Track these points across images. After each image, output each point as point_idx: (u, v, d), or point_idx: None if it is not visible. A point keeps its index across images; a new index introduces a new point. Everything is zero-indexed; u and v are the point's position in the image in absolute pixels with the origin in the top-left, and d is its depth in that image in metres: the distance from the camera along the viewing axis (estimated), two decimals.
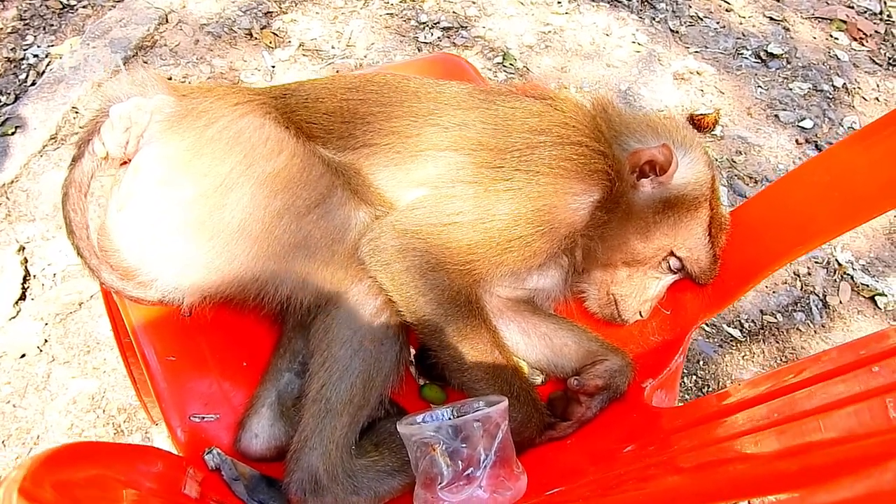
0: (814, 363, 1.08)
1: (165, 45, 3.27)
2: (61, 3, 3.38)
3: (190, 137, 1.42)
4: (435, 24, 3.57)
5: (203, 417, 1.47)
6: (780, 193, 1.68)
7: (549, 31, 3.65)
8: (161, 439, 2.26)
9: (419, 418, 1.38)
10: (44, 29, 3.29)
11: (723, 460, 0.94)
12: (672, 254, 1.64)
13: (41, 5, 3.36)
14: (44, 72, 3.09)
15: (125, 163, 1.49)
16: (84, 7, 3.39)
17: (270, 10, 3.49)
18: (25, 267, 2.54)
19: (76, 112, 2.95)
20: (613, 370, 1.57)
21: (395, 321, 1.46)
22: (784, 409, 0.96)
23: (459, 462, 1.28)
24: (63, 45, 3.19)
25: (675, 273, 1.69)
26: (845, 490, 0.55)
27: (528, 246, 1.47)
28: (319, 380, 1.40)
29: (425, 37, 3.50)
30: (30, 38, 3.25)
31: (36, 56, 3.17)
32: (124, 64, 3.10)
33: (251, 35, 3.37)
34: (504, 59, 3.45)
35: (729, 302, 1.66)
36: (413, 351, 1.63)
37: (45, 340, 2.42)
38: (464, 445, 1.29)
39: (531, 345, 1.68)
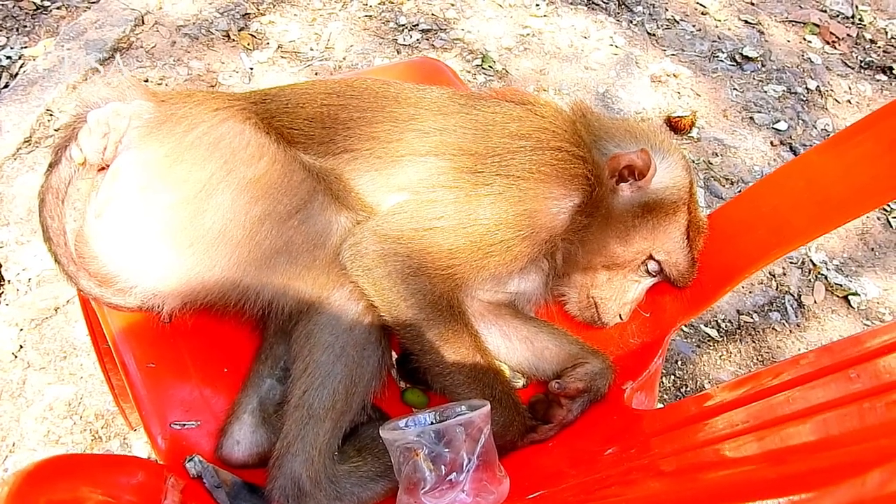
0: (792, 366, 1.09)
1: (142, 46, 3.24)
2: (35, 4, 3.33)
3: (169, 143, 1.41)
4: (414, 26, 3.57)
5: (184, 425, 1.46)
6: (755, 198, 1.71)
7: (528, 34, 3.66)
8: (139, 445, 2.24)
9: (402, 423, 1.38)
10: (17, 30, 3.25)
11: (703, 465, 0.95)
12: (651, 257, 1.65)
13: (14, 6, 3.32)
14: (17, 74, 3.05)
15: (103, 169, 1.48)
16: (58, 8, 3.35)
17: (248, 11, 3.47)
18: (0, 272, 2.50)
19: (50, 115, 2.92)
20: (594, 373, 1.58)
21: (376, 326, 1.46)
22: (763, 413, 0.97)
23: (442, 466, 1.29)
24: (37, 47, 3.15)
25: (653, 276, 1.71)
26: (826, 499, 0.56)
27: (508, 250, 1.48)
28: (302, 385, 1.40)
29: (404, 39, 3.50)
30: (2, 40, 3.20)
31: (9, 58, 3.12)
32: (101, 66, 3.07)
33: (229, 37, 3.35)
34: (483, 61, 3.46)
35: (707, 304, 1.68)
36: (395, 355, 1.63)
37: (21, 346, 2.38)
38: (446, 450, 1.29)
39: (512, 348, 1.68)
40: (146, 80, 3.09)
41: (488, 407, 1.36)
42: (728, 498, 0.69)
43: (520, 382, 1.71)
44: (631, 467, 1.18)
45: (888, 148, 1.33)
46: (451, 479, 1.28)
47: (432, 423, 1.36)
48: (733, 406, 1.09)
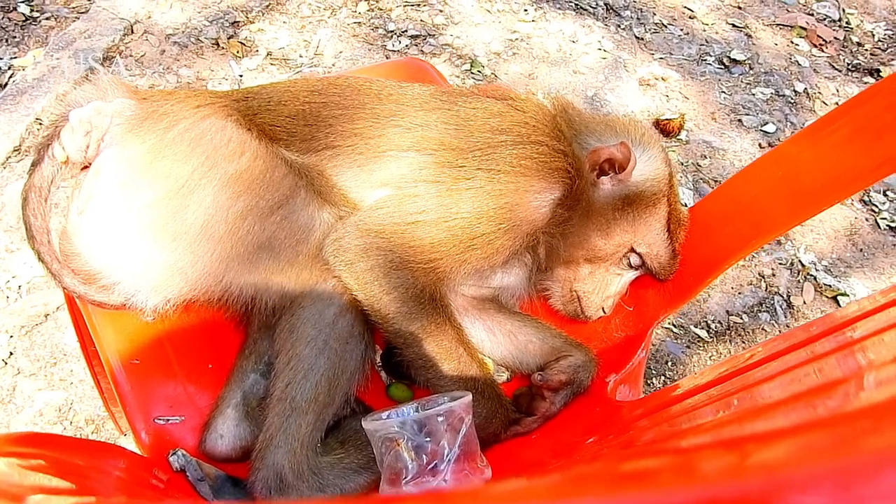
0: (769, 343, 1.11)
1: (131, 55, 3.26)
2: (24, 15, 3.35)
3: (151, 140, 1.42)
4: (403, 32, 3.59)
5: (168, 420, 1.47)
6: (734, 190, 1.72)
7: (517, 39, 3.69)
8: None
9: (384, 414, 1.39)
10: (6, 41, 3.26)
11: (679, 433, 0.95)
12: (632, 250, 1.66)
13: (3, 17, 3.33)
14: (7, 84, 3.07)
15: (86, 167, 1.49)
16: (47, 19, 3.37)
17: (237, 19, 3.49)
18: None
19: (40, 124, 2.93)
20: (577, 365, 1.59)
21: (359, 320, 1.46)
22: (738, 381, 0.98)
23: (424, 456, 1.29)
24: (26, 57, 3.17)
25: (635, 269, 1.71)
26: (781, 419, 0.57)
27: (490, 244, 1.49)
28: (285, 378, 1.40)
29: (393, 45, 3.52)
30: None
31: None
32: (93, 69, 3.08)
33: (218, 45, 3.37)
34: (472, 66, 3.49)
35: (689, 297, 1.69)
36: (379, 350, 1.64)
37: (11, 353, 2.38)
38: (428, 440, 1.30)
39: (496, 342, 1.69)
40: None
41: (469, 397, 1.36)
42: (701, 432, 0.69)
43: (504, 376, 1.71)
44: (608, 445, 1.19)
45: (860, 136, 1.35)
46: (432, 469, 1.29)
47: (413, 414, 1.36)
48: (712, 385, 1.10)
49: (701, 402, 1.01)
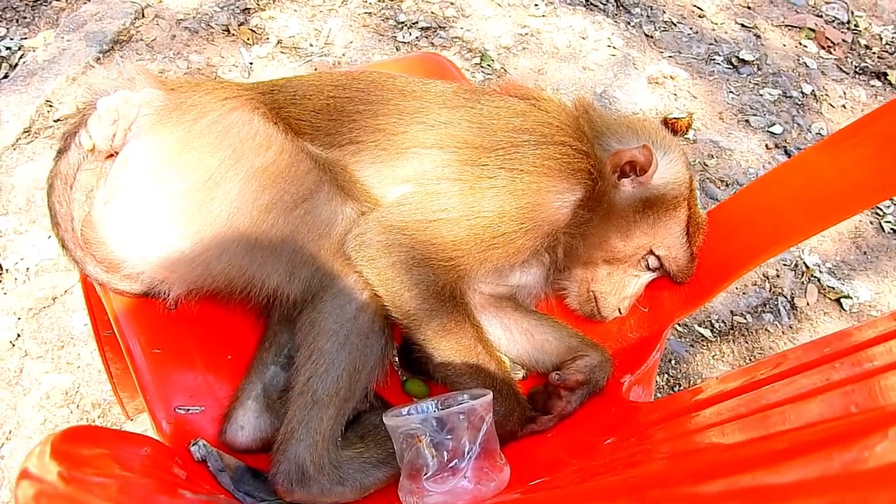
0: (781, 360, 1.12)
1: (142, 39, 3.24)
2: None
3: (179, 131, 1.42)
4: (413, 23, 3.59)
5: (188, 410, 1.47)
6: (753, 196, 1.73)
7: (526, 34, 3.69)
8: None
9: (405, 410, 1.40)
10: (17, 21, 3.25)
11: (694, 450, 0.97)
12: (651, 252, 1.67)
13: None
14: (17, 64, 3.05)
15: (112, 156, 1.50)
16: (58, 0, 3.35)
17: (248, 6, 3.48)
18: None
19: (50, 105, 2.92)
20: (593, 365, 1.60)
21: (380, 315, 1.47)
22: (751, 402, 0.99)
23: (444, 453, 1.30)
24: (37, 38, 3.15)
25: (653, 271, 1.73)
26: (794, 473, 0.58)
27: (511, 243, 1.50)
28: (306, 372, 1.41)
29: (404, 36, 3.52)
30: (2, 31, 3.20)
31: (8, 49, 3.12)
32: (100, 58, 3.07)
33: (228, 31, 3.36)
34: (482, 59, 3.49)
35: (704, 300, 1.70)
36: (396, 346, 1.65)
37: (18, 335, 2.39)
38: (449, 437, 1.31)
39: (513, 340, 1.70)
40: None
41: (490, 396, 1.37)
42: (715, 475, 0.70)
43: (520, 374, 1.73)
44: (629, 453, 1.20)
45: (881, 149, 1.36)
46: (452, 466, 1.30)
47: (435, 411, 1.37)
48: (725, 398, 1.11)
49: (713, 420, 1.02)
